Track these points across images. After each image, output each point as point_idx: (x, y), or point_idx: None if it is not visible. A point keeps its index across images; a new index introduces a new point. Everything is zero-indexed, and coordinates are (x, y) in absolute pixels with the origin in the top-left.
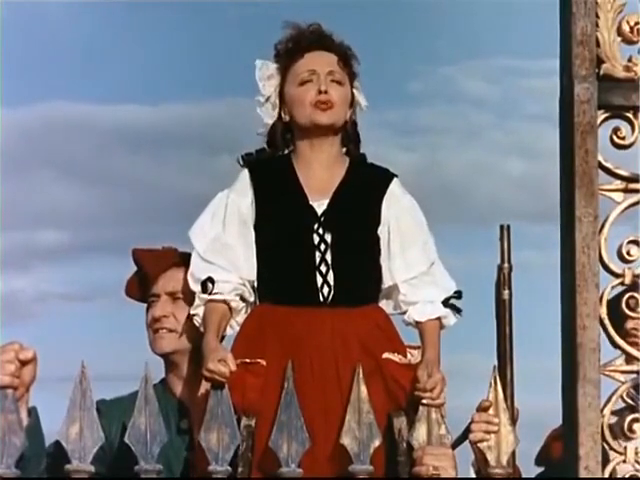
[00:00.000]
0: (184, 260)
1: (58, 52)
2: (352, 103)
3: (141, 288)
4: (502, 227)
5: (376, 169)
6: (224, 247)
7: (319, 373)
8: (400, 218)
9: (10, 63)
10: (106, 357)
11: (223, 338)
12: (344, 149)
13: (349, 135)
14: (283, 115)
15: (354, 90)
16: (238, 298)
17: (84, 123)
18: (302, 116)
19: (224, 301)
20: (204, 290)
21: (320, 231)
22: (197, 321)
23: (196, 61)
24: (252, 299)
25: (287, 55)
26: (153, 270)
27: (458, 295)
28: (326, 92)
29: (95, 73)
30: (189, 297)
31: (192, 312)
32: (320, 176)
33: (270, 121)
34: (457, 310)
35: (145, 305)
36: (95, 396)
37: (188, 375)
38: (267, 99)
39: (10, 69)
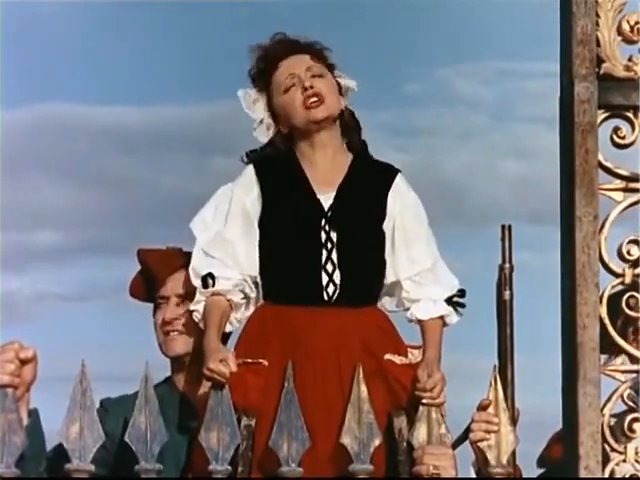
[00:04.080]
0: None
1: (53, 53)
2: (341, 92)
3: (146, 289)
4: (503, 227)
5: (380, 164)
6: (226, 242)
7: (321, 373)
8: (404, 214)
9: (7, 64)
10: (104, 357)
11: (228, 336)
12: (346, 141)
13: (348, 124)
14: (282, 129)
15: (338, 79)
16: (239, 294)
17: (79, 124)
18: (297, 120)
19: (225, 297)
20: (205, 285)
21: (327, 228)
22: (197, 317)
23: (190, 62)
24: (253, 295)
25: (263, 73)
26: (161, 272)
27: (461, 294)
28: (311, 87)
29: (90, 74)
30: None
31: (192, 308)
32: (324, 168)
33: (266, 140)
34: (461, 305)
35: (147, 305)
36: (93, 396)
37: (198, 375)
38: (260, 121)
39: (6, 70)
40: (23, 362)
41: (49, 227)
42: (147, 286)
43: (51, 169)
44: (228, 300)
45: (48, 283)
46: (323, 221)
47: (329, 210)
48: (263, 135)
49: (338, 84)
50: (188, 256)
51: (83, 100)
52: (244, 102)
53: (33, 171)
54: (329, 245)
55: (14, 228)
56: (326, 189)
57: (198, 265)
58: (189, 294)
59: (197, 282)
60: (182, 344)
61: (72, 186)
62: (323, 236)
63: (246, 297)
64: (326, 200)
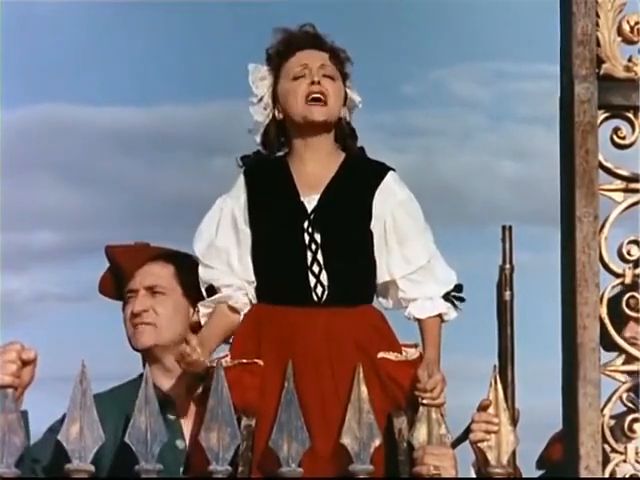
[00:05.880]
0: (160, 255)
1: (54, 53)
2: (345, 101)
3: (115, 286)
4: (504, 228)
5: (372, 163)
6: (219, 250)
7: (314, 373)
8: (396, 212)
9: (7, 64)
10: (104, 357)
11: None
12: (342, 147)
13: (344, 131)
14: (277, 114)
15: (347, 89)
16: (243, 298)
17: (80, 124)
18: (295, 112)
19: (227, 303)
20: (209, 296)
21: (310, 230)
22: None
23: (190, 63)
24: (255, 300)
25: (279, 56)
26: (129, 266)
27: (458, 289)
28: (319, 83)
29: (90, 75)
30: (168, 291)
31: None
32: (313, 172)
33: (261, 119)
34: (459, 300)
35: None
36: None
37: (171, 368)
38: (260, 99)
39: (6, 70)
40: (24, 363)
41: (49, 227)
42: (116, 283)
43: (51, 169)
44: (230, 306)
45: (48, 283)
46: (306, 223)
47: (312, 212)
48: (258, 114)
49: (345, 94)
50: (156, 250)
51: (83, 100)
52: (252, 76)
53: (33, 171)
54: (313, 247)
55: (14, 228)
56: (311, 192)
57: (201, 275)
58: (157, 287)
59: (204, 293)
60: (150, 336)
61: (72, 186)
62: (307, 238)
63: (250, 301)
64: (310, 202)
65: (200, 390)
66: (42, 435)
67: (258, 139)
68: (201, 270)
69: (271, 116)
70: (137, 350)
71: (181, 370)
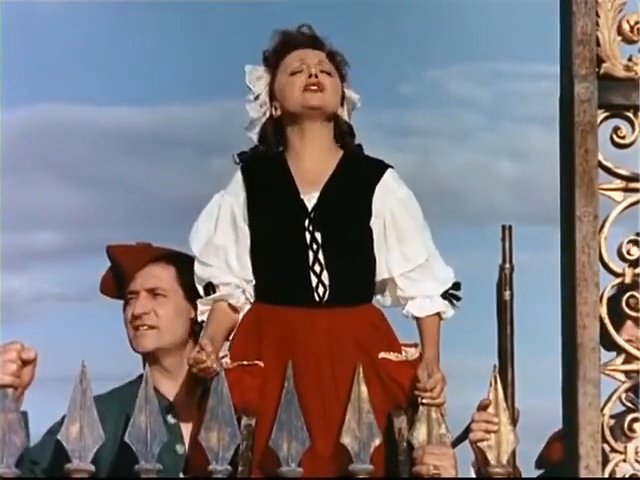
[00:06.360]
0: (161, 256)
1: (54, 53)
2: (343, 101)
3: (117, 285)
4: (504, 227)
5: (370, 160)
6: (217, 248)
7: (315, 373)
8: (395, 210)
9: (7, 64)
10: (104, 357)
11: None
12: (340, 145)
13: (342, 129)
14: (274, 112)
15: (344, 89)
16: (241, 296)
17: (80, 124)
18: (292, 102)
19: (227, 302)
20: (207, 294)
21: (311, 229)
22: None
23: (190, 63)
24: (252, 300)
25: (276, 55)
26: (130, 267)
27: (457, 286)
28: (316, 76)
29: (91, 75)
30: (169, 293)
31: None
32: (311, 168)
33: (256, 115)
34: (456, 298)
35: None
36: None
37: (170, 370)
38: (257, 97)
39: (7, 70)
40: (24, 363)
41: (49, 227)
42: (117, 283)
43: (51, 169)
44: (230, 304)
45: (48, 283)
46: (307, 222)
47: (312, 210)
48: (254, 110)
49: (342, 93)
50: (158, 251)
51: (83, 100)
52: (249, 76)
53: (33, 171)
54: (314, 246)
55: (14, 228)
56: (311, 189)
57: (198, 273)
58: (158, 289)
59: (200, 290)
60: (152, 339)
61: (72, 186)
62: (308, 237)
63: (248, 299)
64: (310, 200)
65: (200, 392)
66: (41, 437)
67: (254, 136)
68: (198, 267)
69: (268, 114)
70: (138, 353)
71: (180, 372)
